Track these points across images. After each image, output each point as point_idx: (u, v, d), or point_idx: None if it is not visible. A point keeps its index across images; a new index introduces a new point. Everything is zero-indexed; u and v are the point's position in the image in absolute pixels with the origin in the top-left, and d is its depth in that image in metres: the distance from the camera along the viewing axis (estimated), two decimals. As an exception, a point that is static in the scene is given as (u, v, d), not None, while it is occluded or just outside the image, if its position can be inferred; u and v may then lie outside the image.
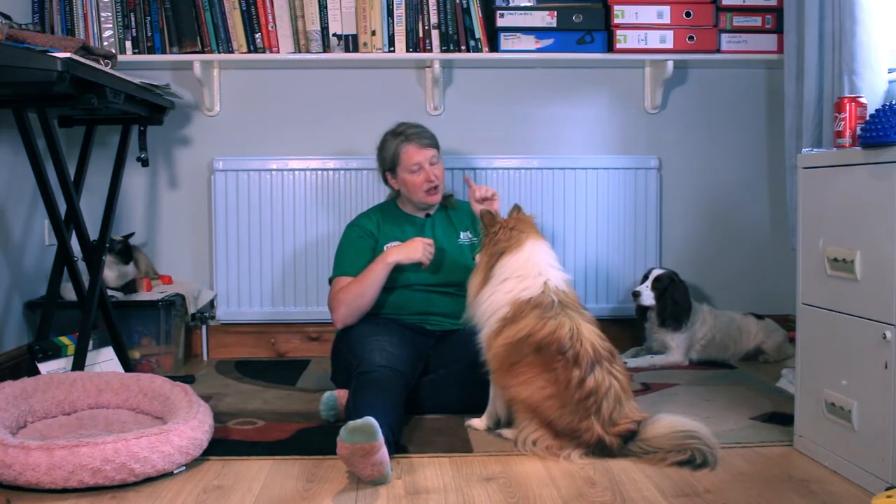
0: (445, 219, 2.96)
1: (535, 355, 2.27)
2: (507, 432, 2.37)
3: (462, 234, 2.92)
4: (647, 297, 3.29)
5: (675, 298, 3.27)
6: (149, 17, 3.34)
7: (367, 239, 2.87)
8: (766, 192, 3.67)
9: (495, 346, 2.35)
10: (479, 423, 2.48)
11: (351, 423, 1.98)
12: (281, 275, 3.50)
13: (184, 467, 2.13)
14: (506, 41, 3.37)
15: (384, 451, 2.01)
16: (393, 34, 3.38)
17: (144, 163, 3.14)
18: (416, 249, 2.73)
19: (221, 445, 2.30)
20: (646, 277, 3.33)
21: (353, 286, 2.75)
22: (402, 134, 2.85)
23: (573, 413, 2.21)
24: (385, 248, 2.83)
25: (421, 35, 3.38)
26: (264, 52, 3.37)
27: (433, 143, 2.88)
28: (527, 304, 2.34)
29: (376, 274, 2.72)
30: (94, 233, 2.96)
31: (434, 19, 3.36)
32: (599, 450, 2.21)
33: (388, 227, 2.91)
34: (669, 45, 3.39)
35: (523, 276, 2.39)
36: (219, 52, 3.36)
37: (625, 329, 3.56)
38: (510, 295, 2.37)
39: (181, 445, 2.09)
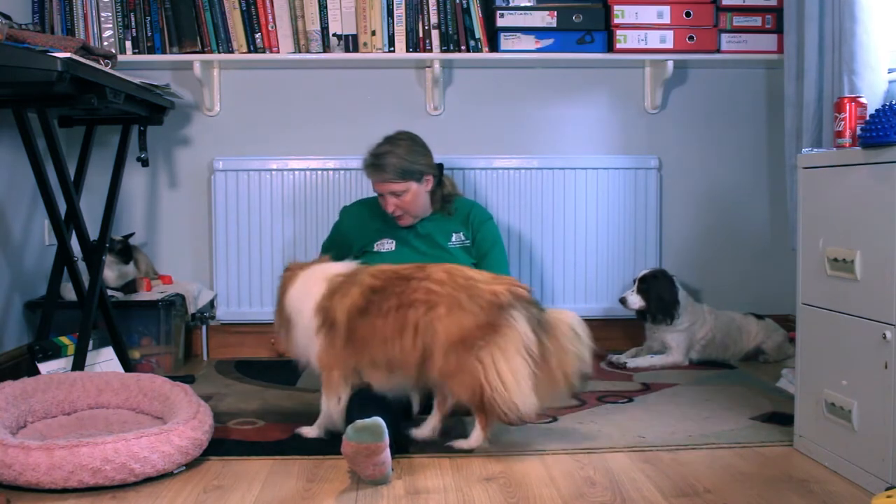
0: (440, 220, 2.93)
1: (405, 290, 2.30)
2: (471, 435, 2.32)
3: (454, 236, 2.90)
4: (634, 301, 3.31)
5: (659, 295, 3.28)
6: (149, 17, 3.34)
7: (338, 235, 2.98)
8: (766, 192, 3.67)
9: (353, 329, 2.32)
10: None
11: (359, 421, 1.98)
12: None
13: (184, 467, 2.13)
14: (506, 41, 3.37)
15: (388, 451, 2.01)
16: (393, 34, 3.38)
17: (144, 163, 3.14)
18: None
19: (221, 445, 2.30)
20: (635, 281, 3.36)
21: None
22: (365, 161, 2.82)
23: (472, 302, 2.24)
24: (374, 246, 2.86)
25: (421, 35, 3.38)
26: (264, 52, 3.37)
27: (395, 176, 2.75)
28: (330, 293, 2.37)
29: None
30: (94, 233, 2.96)
31: (434, 19, 3.37)
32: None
33: (378, 223, 2.90)
34: (669, 45, 3.40)
35: (306, 291, 2.42)
36: (219, 52, 3.36)
37: (624, 329, 3.56)
38: (314, 300, 2.39)
39: (181, 445, 2.09)
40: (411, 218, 2.86)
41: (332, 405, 2.36)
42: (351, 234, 2.94)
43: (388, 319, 2.28)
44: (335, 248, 2.92)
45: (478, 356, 2.20)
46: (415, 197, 2.81)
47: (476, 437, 2.28)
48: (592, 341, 2.33)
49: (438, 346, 2.23)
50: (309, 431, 2.41)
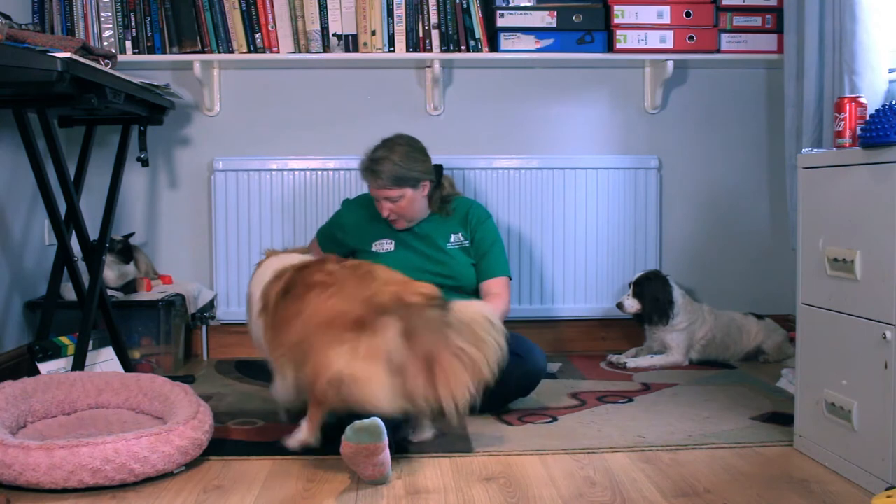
0: (439, 220, 2.92)
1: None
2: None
3: (453, 237, 2.89)
4: (630, 305, 3.33)
5: (653, 296, 3.29)
6: (149, 17, 3.34)
7: (336, 226, 2.99)
8: (767, 192, 3.67)
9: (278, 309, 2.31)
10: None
11: (358, 422, 1.98)
12: (281, 275, 3.50)
13: (184, 467, 2.13)
14: (506, 41, 3.37)
15: (387, 452, 2.01)
16: (393, 34, 3.38)
17: (144, 163, 3.14)
18: None
19: (221, 445, 2.30)
20: (630, 286, 3.37)
21: None
22: (362, 164, 2.81)
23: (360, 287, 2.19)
24: (373, 246, 2.86)
25: (421, 35, 3.38)
26: (264, 52, 3.37)
27: (390, 183, 2.73)
28: (274, 279, 2.42)
29: None
30: (94, 233, 2.96)
31: (434, 19, 3.37)
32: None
33: (376, 224, 2.89)
34: (669, 45, 3.40)
35: (261, 277, 2.51)
36: (219, 52, 3.36)
37: (624, 329, 3.57)
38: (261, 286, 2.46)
39: (181, 445, 2.09)
40: (406, 222, 2.85)
41: (277, 381, 2.32)
42: (349, 229, 2.94)
43: (295, 302, 2.25)
44: (330, 237, 2.98)
45: (335, 349, 2.06)
46: (410, 203, 2.79)
47: (303, 431, 2.18)
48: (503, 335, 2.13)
49: (301, 323, 2.17)
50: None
